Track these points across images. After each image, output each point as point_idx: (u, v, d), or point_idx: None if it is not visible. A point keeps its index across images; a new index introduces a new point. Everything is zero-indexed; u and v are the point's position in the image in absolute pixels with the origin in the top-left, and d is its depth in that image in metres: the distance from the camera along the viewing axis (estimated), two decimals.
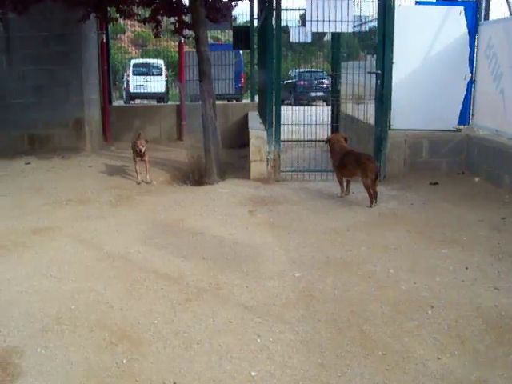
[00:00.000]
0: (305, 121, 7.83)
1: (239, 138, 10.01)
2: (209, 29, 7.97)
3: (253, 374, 2.85)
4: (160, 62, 20.43)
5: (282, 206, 6.10)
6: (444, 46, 7.54)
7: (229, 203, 6.23)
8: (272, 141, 7.29)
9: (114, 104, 11.93)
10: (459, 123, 7.77)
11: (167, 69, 20.88)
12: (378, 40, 7.06)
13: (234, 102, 16.01)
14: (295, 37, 9.22)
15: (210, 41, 8.00)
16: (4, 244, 4.82)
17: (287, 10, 7.99)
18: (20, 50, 8.92)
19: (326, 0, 6.85)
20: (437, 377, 2.81)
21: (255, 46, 11.47)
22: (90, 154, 9.08)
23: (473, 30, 7.53)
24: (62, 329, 3.28)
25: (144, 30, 23.47)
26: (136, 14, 8.59)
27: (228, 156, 8.73)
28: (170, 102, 17.73)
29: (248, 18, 12.06)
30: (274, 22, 7.00)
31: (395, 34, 7.07)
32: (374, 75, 7.17)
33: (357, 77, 7.72)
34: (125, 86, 19.79)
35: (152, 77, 19.32)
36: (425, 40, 7.54)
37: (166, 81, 20.06)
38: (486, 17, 7.70)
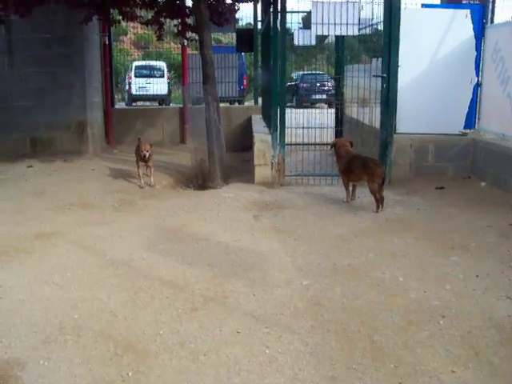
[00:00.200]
0: (308, 124, 7.75)
1: (242, 142, 9.94)
2: (212, 31, 7.91)
3: None
4: (162, 64, 20.40)
5: (288, 211, 6.02)
6: (450, 49, 7.47)
7: (233, 208, 6.16)
8: (276, 144, 7.22)
9: (116, 106, 11.87)
10: (465, 127, 7.70)
11: (169, 71, 20.84)
12: (383, 43, 6.98)
13: (237, 104, 15.94)
14: (300, 39, 9.14)
15: (212, 43, 7.91)
16: (5, 250, 4.74)
17: (292, 12, 7.91)
18: (22, 52, 8.86)
19: (332, 3, 6.80)
20: None
21: (259, 49, 11.40)
22: (93, 157, 9.01)
23: (479, 33, 7.46)
24: (66, 339, 3.21)
25: (146, 31, 23.43)
26: (139, 16, 8.53)
27: (231, 159, 8.65)
28: (172, 105, 17.68)
29: (250, 20, 12.01)
30: (278, 25, 6.94)
31: (401, 37, 7.00)
32: (379, 78, 7.11)
33: (361, 80, 7.66)
34: (127, 88, 19.72)
35: (154, 79, 19.28)
36: (431, 43, 7.47)
37: (168, 83, 20.01)
38: (492, 20, 7.65)
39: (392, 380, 2.82)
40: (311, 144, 8.33)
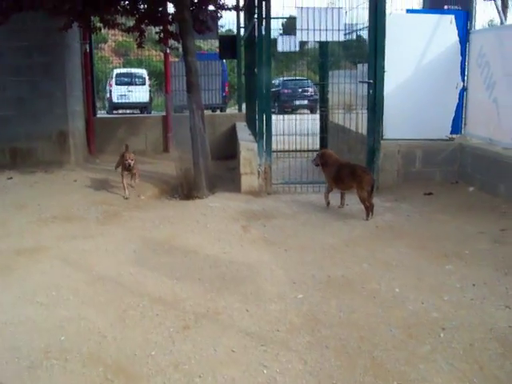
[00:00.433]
0: (290, 130, 7.66)
1: (227, 150, 9.82)
2: (195, 38, 7.78)
3: None
4: (143, 72, 20.23)
5: (276, 221, 5.91)
6: (435, 54, 7.46)
7: (221, 218, 6.02)
8: (263, 152, 7.12)
9: (97, 115, 11.66)
10: (452, 132, 7.69)
11: (150, 78, 20.67)
12: (369, 48, 6.93)
13: (219, 112, 15.82)
14: (283, 46, 9.05)
15: None
16: None
17: (278, 18, 7.83)
18: (0, 61, 8.62)
19: (317, 8, 6.73)
20: None
21: (242, 55, 11.31)
22: (75, 167, 8.79)
23: (464, 38, 7.47)
24: (52, 364, 3.03)
25: (126, 39, 23.22)
26: (120, 23, 8.37)
27: (216, 168, 8.50)
28: (154, 113, 17.50)
29: (232, 27, 11.92)
30: (263, 31, 6.85)
31: (386, 42, 6.95)
32: (365, 84, 7.05)
33: (347, 86, 7.59)
34: (107, 95, 19.51)
35: (135, 86, 19.12)
36: (416, 49, 7.46)
37: (150, 90, 19.84)
38: (472, 25, 7.65)
39: None
40: (298, 151, 8.25)
